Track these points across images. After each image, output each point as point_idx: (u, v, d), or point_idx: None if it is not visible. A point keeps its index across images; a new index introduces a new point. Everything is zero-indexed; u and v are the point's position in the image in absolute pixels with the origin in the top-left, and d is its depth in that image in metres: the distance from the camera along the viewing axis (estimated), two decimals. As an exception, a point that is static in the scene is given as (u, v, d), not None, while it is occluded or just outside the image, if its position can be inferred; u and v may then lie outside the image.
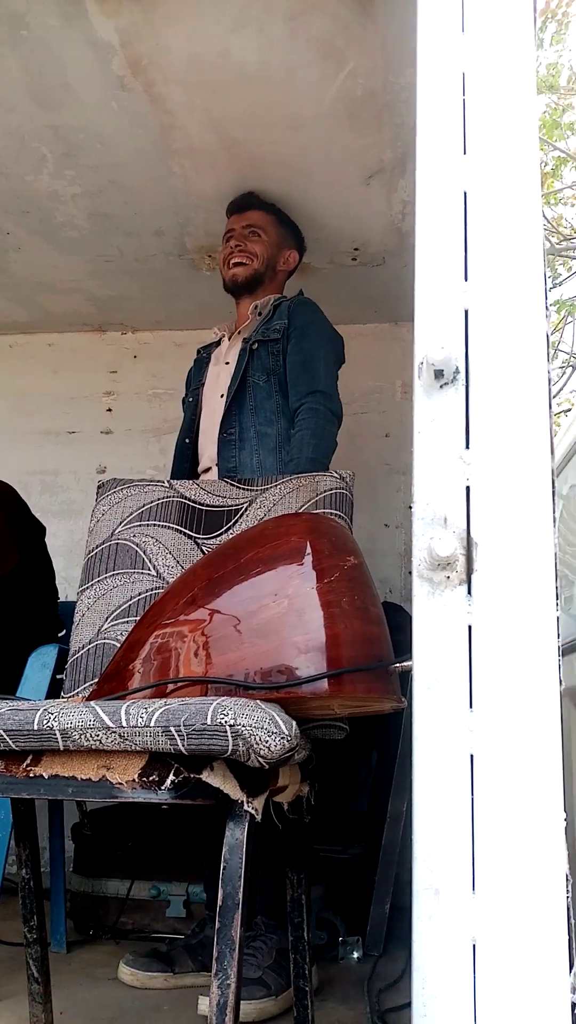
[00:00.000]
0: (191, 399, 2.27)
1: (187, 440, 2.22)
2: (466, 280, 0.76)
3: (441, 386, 0.74)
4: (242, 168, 2.20)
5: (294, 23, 1.74)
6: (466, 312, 0.76)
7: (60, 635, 2.10)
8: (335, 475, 1.57)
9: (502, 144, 0.79)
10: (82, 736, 0.95)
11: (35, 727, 0.96)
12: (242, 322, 2.22)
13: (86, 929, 2.19)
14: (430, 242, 0.78)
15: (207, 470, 2.16)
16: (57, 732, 0.95)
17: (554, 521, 0.72)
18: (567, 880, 0.68)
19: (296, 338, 2.08)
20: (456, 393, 0.74)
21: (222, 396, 2.15)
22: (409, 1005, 0.73)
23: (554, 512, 0.73)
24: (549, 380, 0.72)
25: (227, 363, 2.19)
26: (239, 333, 2.21)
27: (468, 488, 0.73)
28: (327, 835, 2.17)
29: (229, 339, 2.25)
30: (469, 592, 0.71)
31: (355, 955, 2.02)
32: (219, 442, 2.08)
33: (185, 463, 2.20)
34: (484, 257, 0.77)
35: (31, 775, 0.99)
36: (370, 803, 2.38)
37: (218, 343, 2.30)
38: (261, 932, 1.80)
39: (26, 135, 2.09)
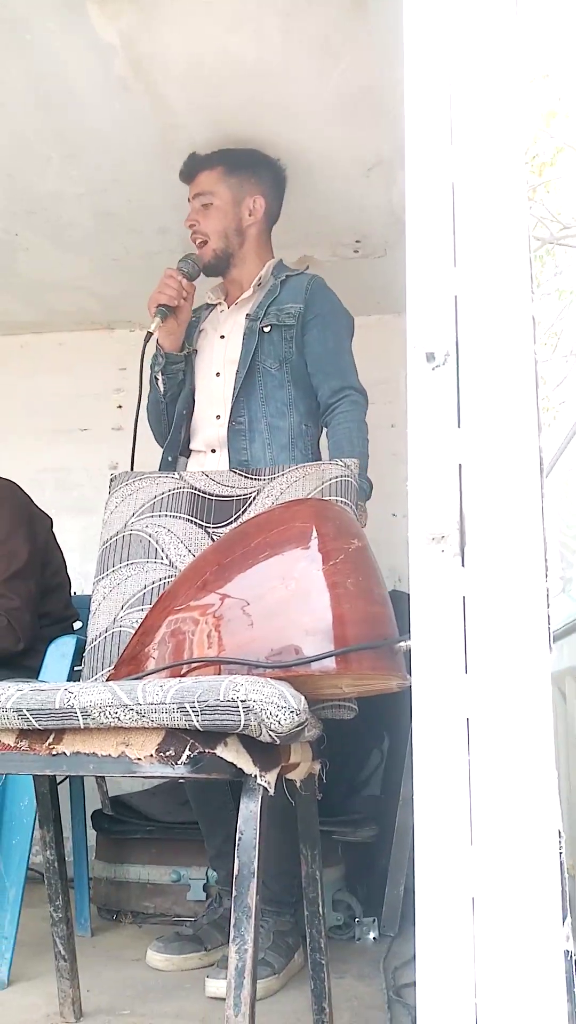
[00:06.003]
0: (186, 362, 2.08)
1: (184, 411, 2.07)
2: (455, 266, 0.80)
3: (433, 368, 0.78)
4: (243, 164, 2.23)
5: (289, 20, 1.77)
6: (455, 297, 0.79)
7: (76, 627, 2.15)
8: (340, 463, 1.60)
9: (487, 134, 0.82)
10: (101, 713, 0.99)
11: (56, 705, 1.00)
12: (237, 293, 2.09)
13: (110, 914, 2.25)
14: (420, 231, 0.82)
15: (204, 452, 2.05)
16: (78, 710, 1.00)
17: (542, 496, 0.76)
18: (559, 835, 0.71)
19: (319, 327, 1.99)
20: (447, 375, 0.78)
21: (218, 375, 2.03)
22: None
23: (542, 487, 0.76)
24: (535, 361, 0.76)
25: (222, 336, 2.07)
26: (237, 305, 2.07)
27: (460, 465, 0.77)
28: (341, 818, 2.21)
29: (228, 308, 2.10)
30: (463, 564, 0.75)
31: (371, 935, 2.06)
32: (228, 431, 1.98)
33: (180, 435, 2.07)
34: (472, 244, 0.81)
35: (53, 752, 1.03)
36: (383, 788, 2.43)
37: (211, 307, 2.16)
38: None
39: (31, 137, 2.13)
